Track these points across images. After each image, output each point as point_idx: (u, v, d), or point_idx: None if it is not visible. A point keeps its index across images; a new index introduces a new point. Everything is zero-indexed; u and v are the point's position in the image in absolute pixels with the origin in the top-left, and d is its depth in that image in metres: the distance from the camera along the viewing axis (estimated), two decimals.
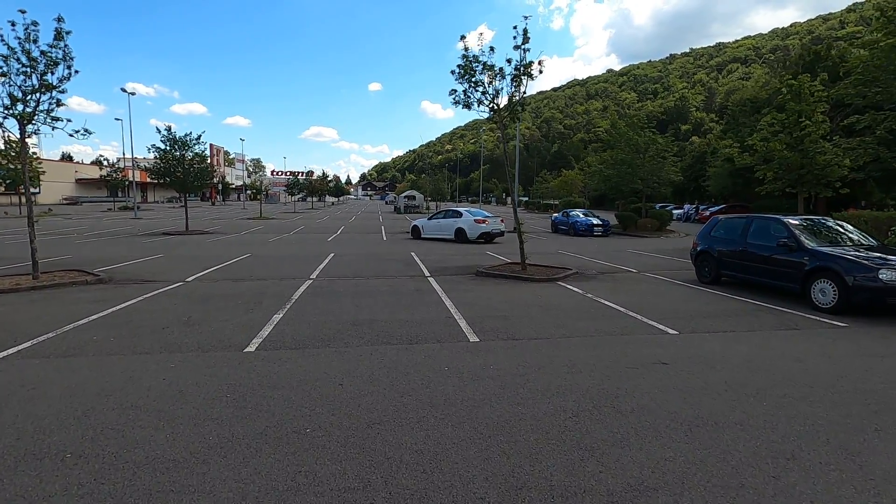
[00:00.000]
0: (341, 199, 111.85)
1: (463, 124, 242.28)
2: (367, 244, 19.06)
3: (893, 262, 6.95)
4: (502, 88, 10.69)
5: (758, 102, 36.18)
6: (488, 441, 3.33)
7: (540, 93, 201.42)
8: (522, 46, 10.26)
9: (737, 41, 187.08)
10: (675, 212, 34.30)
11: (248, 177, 70.96)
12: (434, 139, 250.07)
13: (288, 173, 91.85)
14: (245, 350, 5.37)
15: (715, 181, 37.11)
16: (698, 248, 10.33)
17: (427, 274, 11.13)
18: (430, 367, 4.84)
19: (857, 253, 7.47)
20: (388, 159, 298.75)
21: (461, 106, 11.04)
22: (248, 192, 76.35)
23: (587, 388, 4.32)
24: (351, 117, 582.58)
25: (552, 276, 10.41)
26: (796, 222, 8.71)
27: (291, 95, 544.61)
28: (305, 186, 67.57)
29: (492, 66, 10.57)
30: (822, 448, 3.26)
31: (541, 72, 10.34)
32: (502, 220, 20.40)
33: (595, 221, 24.05)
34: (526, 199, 76.49)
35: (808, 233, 8.36)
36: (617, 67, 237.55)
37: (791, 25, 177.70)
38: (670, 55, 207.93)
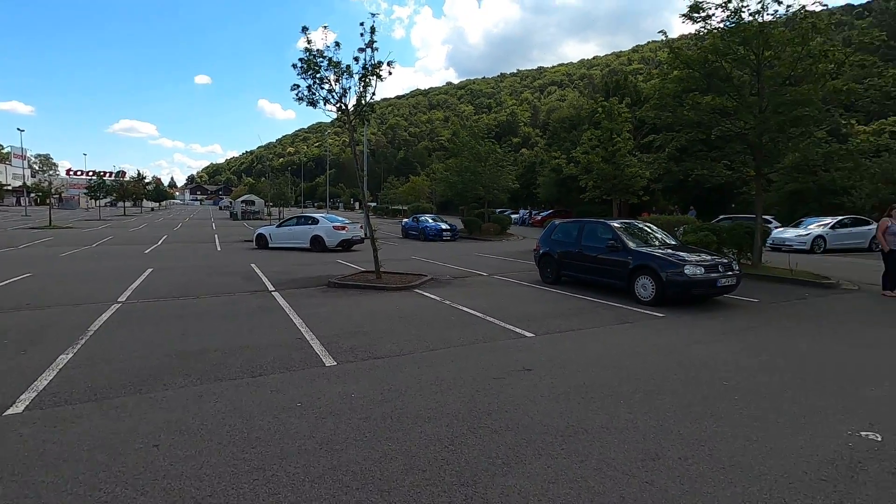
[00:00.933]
0: (163, 204, 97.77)
1: (306, 126, 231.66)
2: (196, 256, 16.60)
3: (693, 259, 8.22)
4: (350, 87, 10.12)
5: (574, 120, 41.51)
6: (357, 495, 2.77)
7: (384, 99, 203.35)
8: (371, 46, 9.82)
9: (553, 67, 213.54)
10: (512, 216, 37.34)
11: (33, 176, 57.29)
12: (275, 141, 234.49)
13: (91, 173, 76.80)
14: (6, 413, 3.89)
15: (544, 189, 41.45)
16: (541, 251, 11.07)
17: (271, 288, 9.94)
18: (279, 405, 4.06)
19: (666, 251, 8.67)
20: (222, 160, 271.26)
21: (305, 103, 10.16)
22: (33, 195, 61.82)
23: (458, 408, 4.02)
24: (174, 112, 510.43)
25: (408, 283, 10.14)
26: (618, 225, 9.83)
27: (94, 83, 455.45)
28: (115, 189, 57.29)
29: (338, 63, 9.93)
30: (677, 442, 3.44)
31: (390, 73, 10.01)
32: (361, 226, 19.63)
33: (444, 226, 24.75)
34: (374, 204, 76.26)
35: (629, 234, 9.48)
36: (455, 81, 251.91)
37: (593, 58, 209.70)
38: (501, 74, 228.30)
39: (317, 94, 10.07)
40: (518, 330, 6.60)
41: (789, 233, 18.60)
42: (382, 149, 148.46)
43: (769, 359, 5.43)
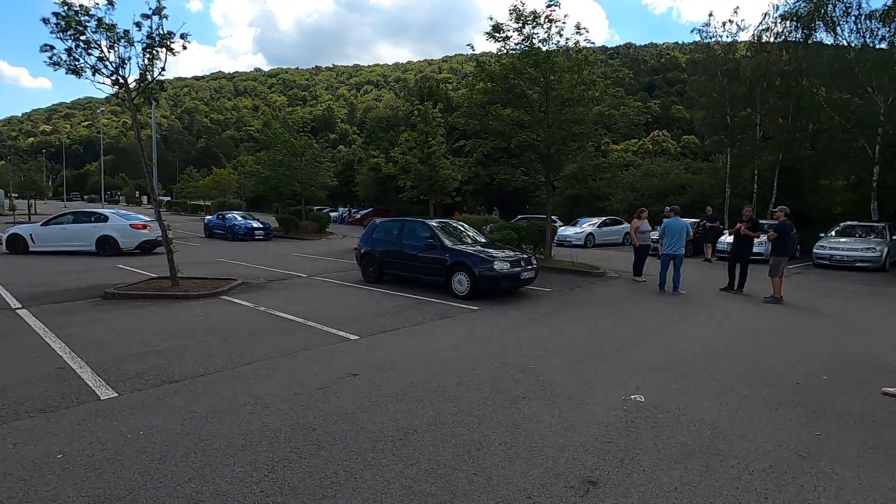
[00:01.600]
0: None
1: (70, 100, 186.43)
2: None
3: (500, 256, 9.08)
4: (130, 58, 8.44)
5: (391, 121, 42.48)
6: None
7: (179, 79, 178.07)
8: (159, 13, 8.32)
9: (370, 66, 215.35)
10: (331, 214, 36.39)
11: None
12: (21, 115, 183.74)
13: None
14: None
15: (363, 187, 41.44)
16: (362, 250, 10.94)
17: (15, 304, 7.69)
18: (28, 460, 3.08)
19: (478, 249, 9.41)
20: None
21: (65, 70, 8.13)
22: None
23: (280, 427, 3.63)
24: None
25: (214, 289, 8.95)
26: (436, 224, 10.32)
27: None
28: None
29: (112, 26, 8.18)
30: (498, 428, 3.67)
31: (185, 47, 8.68)
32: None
33: (256, 225, 22.77)
34: (169, 198, 66.24)
35: (445, 233, 10.01)
36: (266, 68, 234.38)
37: (407, 62, 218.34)
38: (316, 66, 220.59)
39: (82, 60, 8.14)
40: (342, 333, 6.35)
41: (570, 231, 22.14)
42: (178, 135, 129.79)
43: (564, 340, 6.29)
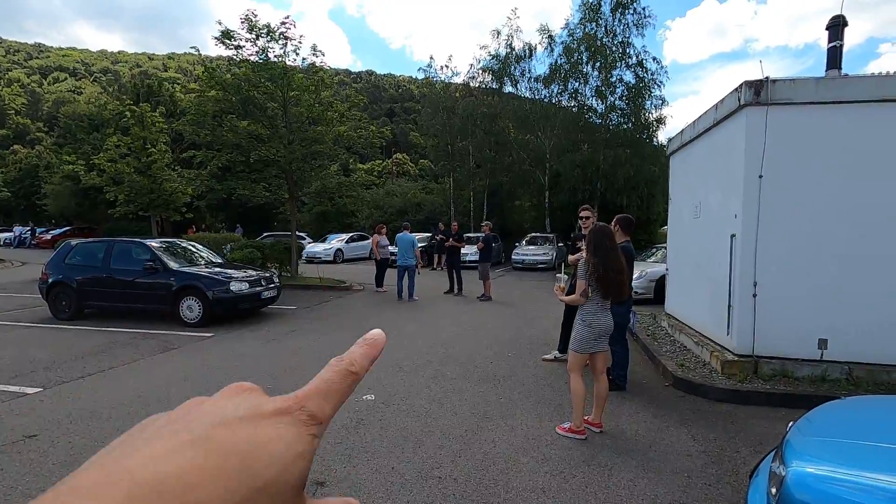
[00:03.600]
0: None
1: None
2: None
3: (238, 276, 8.53)
4: None
5: (97, 120, 34.73)
6: None
7: None
8: None
9: (63, 49, 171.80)
10: (2, 235, 27.38)
11: None
12: None
13: None
14: None
15: (55, 200, 32.57)
16: (50, 280, 8.68)
17: None
18: None
19: (212, 270, 8.62)
20: None
21: None
22: None
23: None
24: None
25: None
26: (157, 244, 8.99)
27: None
28: None
29: None
30: None
31: None
32: None
33: None
34: None
35: (170, 254, 8.83)
36: None
37: (120, 52, 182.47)
38: None
39: None
40: (13, 388, 4.93)
41: (319, 247, 22.24)
42: None
43: (307, 356, 6.34)
